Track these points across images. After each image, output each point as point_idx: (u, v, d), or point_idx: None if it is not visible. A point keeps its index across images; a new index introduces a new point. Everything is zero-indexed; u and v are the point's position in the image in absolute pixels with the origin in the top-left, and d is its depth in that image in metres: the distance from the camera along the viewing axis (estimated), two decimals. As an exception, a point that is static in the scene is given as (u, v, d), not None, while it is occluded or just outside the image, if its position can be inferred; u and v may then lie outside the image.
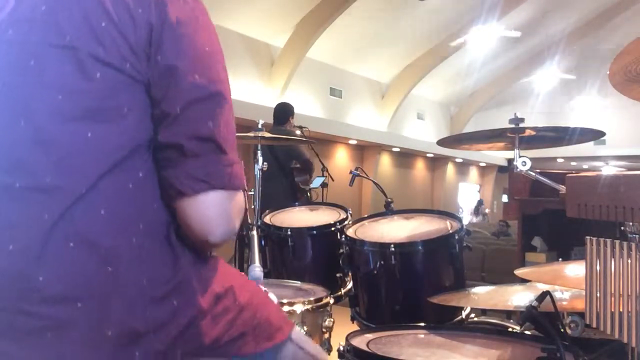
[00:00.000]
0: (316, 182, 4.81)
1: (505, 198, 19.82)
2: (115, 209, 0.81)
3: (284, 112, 4.72)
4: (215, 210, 0.86)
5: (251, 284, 1.00)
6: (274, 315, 0.99)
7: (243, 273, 1.02)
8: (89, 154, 0.80)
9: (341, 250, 2.04)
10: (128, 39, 0.81)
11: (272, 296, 1.08)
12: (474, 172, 19.40)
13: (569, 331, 1.37)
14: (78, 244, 0.78)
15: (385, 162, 14.44)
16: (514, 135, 1.67)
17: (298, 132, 4.97)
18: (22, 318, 0.77)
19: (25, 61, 0.82)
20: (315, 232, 2.29)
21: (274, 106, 4.89)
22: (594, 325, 1.05)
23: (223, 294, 0.90)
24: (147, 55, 0.82)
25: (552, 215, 3.12)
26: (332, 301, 1.82)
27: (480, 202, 18.29)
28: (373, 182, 2.74)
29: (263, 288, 1.05)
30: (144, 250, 0.82)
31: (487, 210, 17.94)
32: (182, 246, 0.87)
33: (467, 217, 17.13)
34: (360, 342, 1.42)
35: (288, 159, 4.47)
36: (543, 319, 1.25)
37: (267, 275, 2.19)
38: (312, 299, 1.75)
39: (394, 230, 2.06)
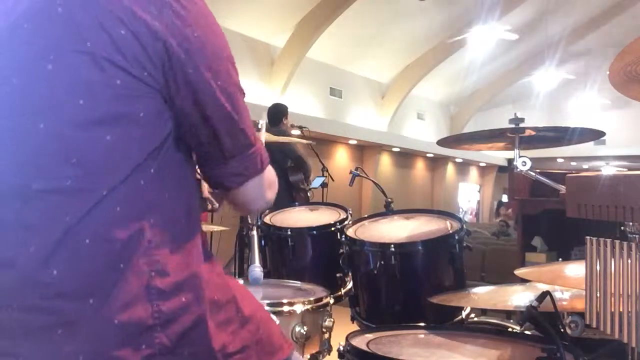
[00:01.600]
0: (316, 182, 4.81)
1: (505, 198, 19.79)
2: (129, 205, 0.82)
3: (276, 113, 4.79)
4: (254, 193, 1.00)
5: (254, 299, 1.01)
6: (276, 333, 1.00)
7: (246, 286, 1.03)
8: (108, 158, 0.82)
9: (341, 250, 2.04)
10: (146, 49, 0.83)
11: (274, 316, 1.10)
12: (474, 172, 19.39)
13: (569, 331, 1.37)
14: (93, 241, 0.80)
15: (385, 162, 14.44)
16: (514, 135, 1.67)
17: (296, 131, 4.98)
18: (34, 314, 0.78)
19: (43, 64, 0.82)
20: (315, 232, 2.29)
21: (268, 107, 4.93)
22: (594, 325, 1.05)
23: (224, 303, 0.91)
24: (163, 65, 0.84)
25: (552, 215, 3.12)
26: (332, 301, 1.82)
27: (500, 204, 18.09)
28: (373, 182, 2.74)
29: (266, 307, 1.08)
30: (153, 243, 0.83)
31: (509, 211, 17.73)
32: (193, 244, 0.88)
33: (467, 217, 17.06)
34: (360, 342, 1.42)
35: (284, 158, 4.47)
36: (543, 319, 1.25)
37: (267, 275, 2.19)
38: (312, 299, 1.75)
39: (394, 230, 2.06)
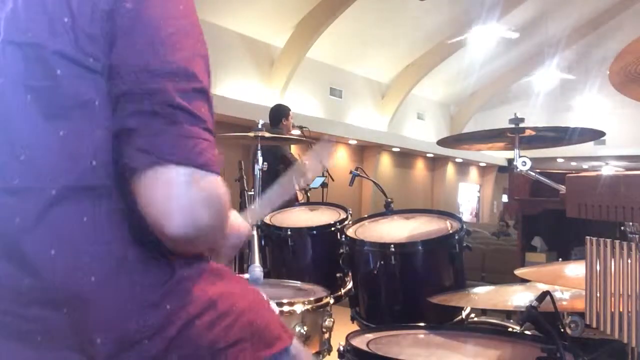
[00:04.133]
0: (316, 182, 4.82)
1: (505, 198, 19.79)
2: (99, 216, 0.78)
3: (277, 114, 4.79)
4: (170, 191, 0.75)
5: (252, 291, 0.98)
6: (274, 324, 0.97)
7: (244, 278, 1.00)
8: (61, 154, 0.77)
9: (341, 250, 2.04)
10: (90, 33, 0.78)
11: (274, 305, 1.08)
12: (474, 172, 19.39)
13: (569, 331, 1.37)
14: (59, 253, 0.76)
15: (385, 162, 14.44)
16: (514, 135, 1.67)
17: (296, 131, 4.99)
18: (12, 319, 0.77)
19: None
20: (315, 232, 2.29)
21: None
22: (594, 325, 1.05)
23: (219, 298, 0.88)
24: (108, 44, 0.79)
25: (552, 215, 3.12)
26: (332, 301, 1.82)
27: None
28: (373, 182, 2.74)
29: (265, 297, 1.04)
30: (132, 257, 0.80)
31: None
32: None
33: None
34: (360, 342, 1.42)
35: (274, 160, 4.49)
36: (543, 319, 1.25)
37: (267, 275, 2.19)
38: (312, 299, 1.75)
39: (394, 230, 2.06)
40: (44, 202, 0.76)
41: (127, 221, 0.80)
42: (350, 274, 2.14)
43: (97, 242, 0.78)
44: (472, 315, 1.95)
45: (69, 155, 0.77)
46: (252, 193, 2.47)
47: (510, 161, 1.72)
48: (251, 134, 2.48)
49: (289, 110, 4.84)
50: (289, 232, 2.26)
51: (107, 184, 0.79)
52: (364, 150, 13.50)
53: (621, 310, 1.01)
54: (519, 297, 1.58)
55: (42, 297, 0.77)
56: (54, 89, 0.78)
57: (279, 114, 4.79)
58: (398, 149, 14.30)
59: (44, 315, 0.76)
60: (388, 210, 2.24)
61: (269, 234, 2.32)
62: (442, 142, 1.94)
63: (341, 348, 1.40)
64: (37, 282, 0.76)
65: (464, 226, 1.96)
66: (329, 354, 1.79)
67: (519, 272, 1.66)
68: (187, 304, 0.83)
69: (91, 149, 0.78)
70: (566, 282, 1.51)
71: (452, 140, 2.03)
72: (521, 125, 1.65)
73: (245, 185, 3.26)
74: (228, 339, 0.87)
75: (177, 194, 0.75)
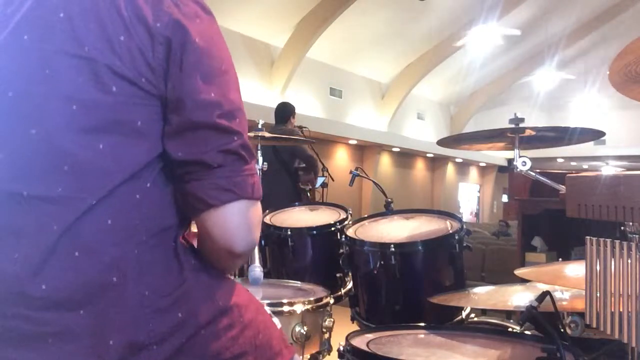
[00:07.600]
0: (316, 182, 4.81)
1: (505, 198, 19.80)
2: (122, 219, 0.80)
3: (284, 112, 4.72)
4: (239, 221, 0.87)
5: (256, 303, 0.99)
6: (276, 339, 0.98)
7: (249, 291, 1.01)
8: (101, 166, 0.80)
9: (341, 250, 2.04)
10: (145, 54, 0.81)
11: (276, 320, 1.08)
12: (474, 172, 19.39)
13: (569, 331, 1.37)
14: (83, 254, 0.78)
15: (385, 162, 14.44)
16: (514, 135, 1.67)
17: (298, 131, 4.98)
18: (22, 323, 0.77)
19: (41, 69, 0.81)
20: (315, 232, 2.29)
21: (275, 106, 4.89)
22: (594, 325, 1.05)
23: (228, 308, 0.89)
24: (164, 72, 0.82)
25: (552, 215, 3.13)
26: (332, 301, 1.82)
27: None
28: (373, 182, 2.74)
29: (268, 310, 1.05)
30: (146, 261, 0.81)
31: None
32: (188, 257, 0.87)
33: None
34: (360, 342, 1.42)
35: (292, 158, 4.45)
36: (543, 319, 1.25)
37: (267, 275, 2.19)
38: (312, 299, 1.75)
39: (394, 230, 2.06)
40: (81, 211, 0.78)
41: (146, 226, 0.83)
42: (350, 274, 2.14)
43: (118, 244, 0.80)
44: (472, 315, 1.95)
45: (104, 169, 0.80)
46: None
47: (510, 161, 1.72)
48: (251, 134, 2.48)
49: (295, 109, 4.80)
50: (289, 232, 2.26)
51: (136, 197, 0.82)
52: (364, 150, 13.51)
53: (621, 310, 1.00)
54: (519, 297, 1.58)
55: (58, 299, 0.77)
56: (102, 103, 0.80)
57: (286, 111, 4.71)
58: (398, 149, 14.31)
59: (57, 317, 0.77)
60: (388, 210, 2.23)
61: (269, 234, 2.32)
62: (442, 142, 1.93)
63: (341, 348, 1.40)
64: (57, 286, 0.77)
65: (464, 226, 1.95)
66: (329, 354, 1.79)
67: (519, 272, 1.66)
68: (198, 312, 0.85)
69: (124, 165, 0.81)
70: (566, 282, 1.51)
71: (452, 140, 2.03)
72: (521, 125, 1.64)
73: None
74: (233, 351, 0.88)
75: (245, 222, 0.87)
